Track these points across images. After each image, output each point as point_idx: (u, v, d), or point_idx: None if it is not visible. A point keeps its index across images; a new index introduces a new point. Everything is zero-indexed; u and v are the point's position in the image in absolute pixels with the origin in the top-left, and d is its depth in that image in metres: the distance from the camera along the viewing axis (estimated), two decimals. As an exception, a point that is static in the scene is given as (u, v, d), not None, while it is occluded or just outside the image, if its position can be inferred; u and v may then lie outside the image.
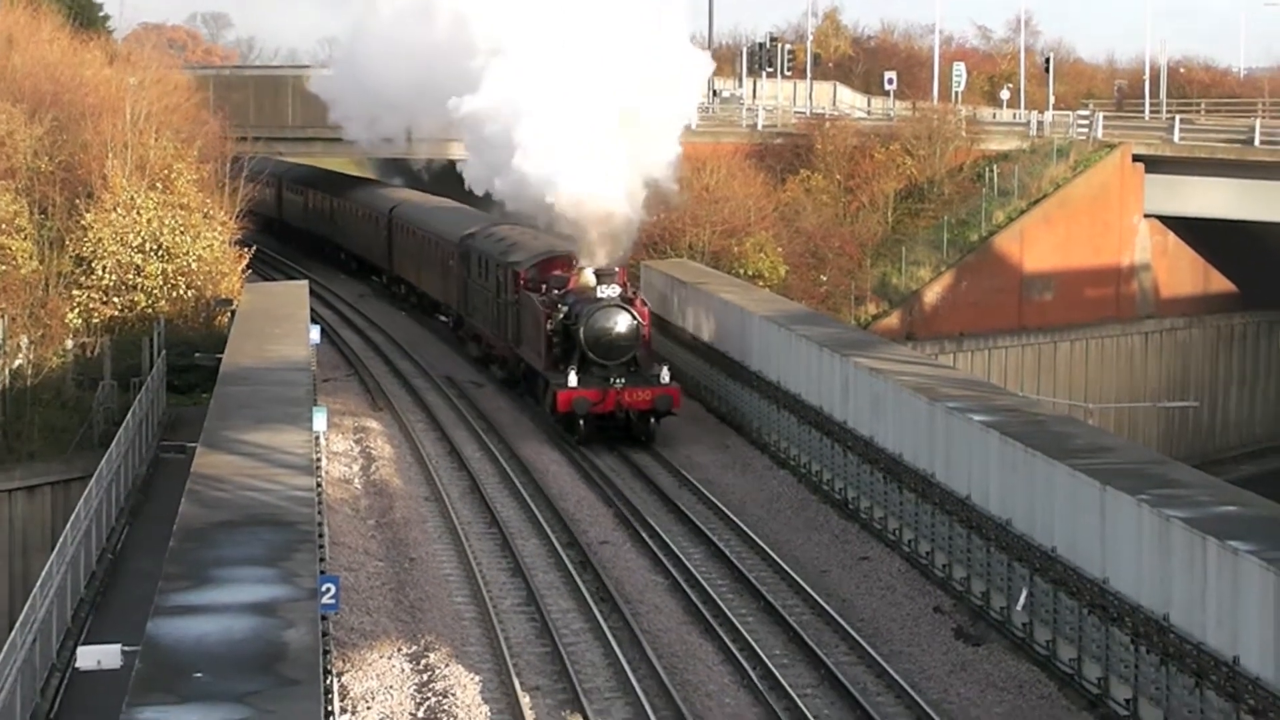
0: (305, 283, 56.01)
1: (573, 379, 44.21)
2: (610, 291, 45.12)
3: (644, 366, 45.51)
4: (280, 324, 42.99)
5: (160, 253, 53.16)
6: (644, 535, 37.02)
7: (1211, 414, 73.40)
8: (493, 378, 53.25)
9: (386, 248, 69.57)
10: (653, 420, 45.04)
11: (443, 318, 61.73)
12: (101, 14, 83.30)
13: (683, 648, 30.25)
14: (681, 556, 35.30)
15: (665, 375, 44.97)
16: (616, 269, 46.08)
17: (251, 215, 79.07)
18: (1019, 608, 29.89)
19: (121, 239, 52.60)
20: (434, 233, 62.13)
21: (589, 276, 45.93)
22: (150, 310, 51.94)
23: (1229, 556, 23.64)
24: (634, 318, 45.04)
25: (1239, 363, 75.62)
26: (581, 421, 44.44)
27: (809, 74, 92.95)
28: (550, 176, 46.27)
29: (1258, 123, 73.58)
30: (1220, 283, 74.91)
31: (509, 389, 51.37)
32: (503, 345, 51.63)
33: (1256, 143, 71.49)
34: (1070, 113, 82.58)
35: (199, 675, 17.67)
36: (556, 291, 46.89)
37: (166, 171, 55.45)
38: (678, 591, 33.37)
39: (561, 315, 45.65)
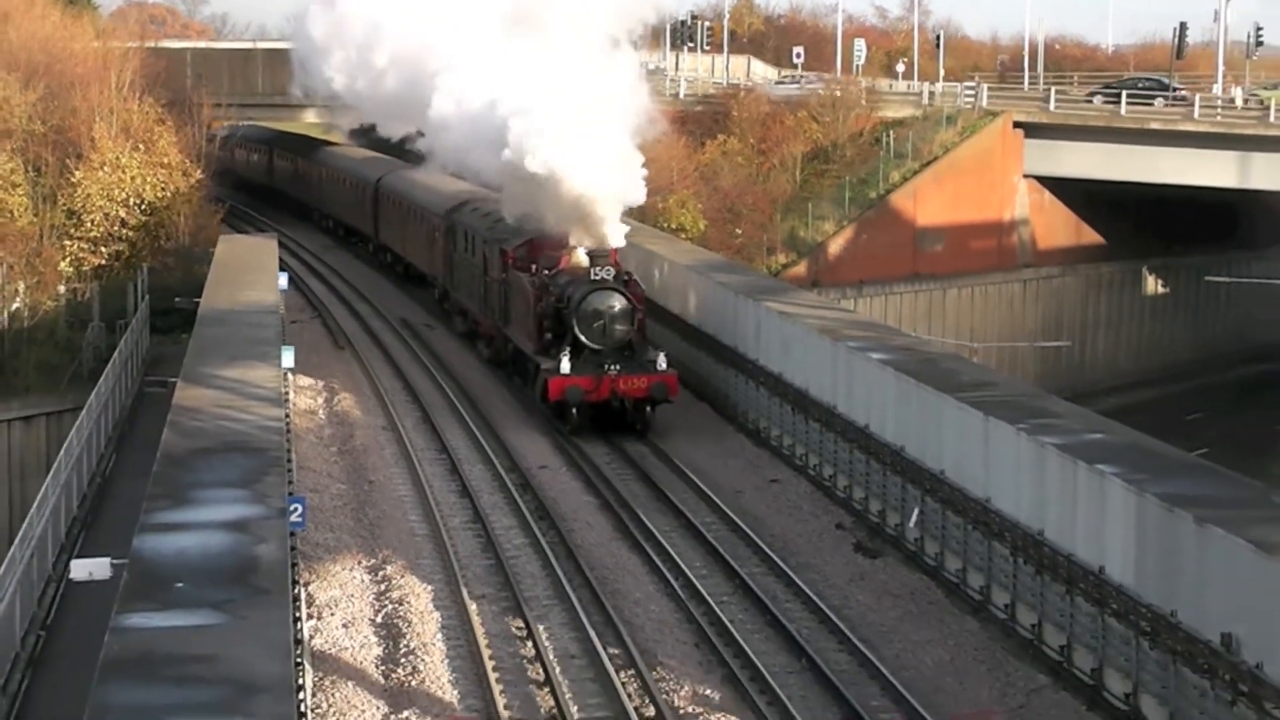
0: (275, 236, 55.63)
1: (565, 365, 38.28)
2: (604, 273, 38.77)
3: (639, 351, 39.22)
4: (252, 272, 42.67)
5: (143, 207, 52.90)
6: (578, 460, 37.01)
7: (1082, 352, 73.83)
8: (445, 321, 52.48)
9: (373, 216, 64.28)
10: (649, 409, 39.14)
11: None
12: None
13: (612, 560, 30.28)
14: (611, 479, 35.31)
15: (662, 361, 38.77)
16: (610, 249, 39.66)
17: (245, 181, 78.62)
18: (911, 524, 30.03)
19: (108, 195, 52.38)
20: (419, 204, 55.58)
21: (581, 257, 39.91)
22: (134, 259, 51.69)
23: (1096, 478, 23.80)
24: (629, 300, 38.80)
25: (1106, 307, 76.09)
26: (574, 410, 38.62)
27: (725, 48, 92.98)
28: (538, 151, 39.45)
29: (1123, 94, 73.95)
30: (1090, 236, 75.28)
31: (463, 337, 50.28)
32: (489, 323, 45.78)
33: (1122, 111, 71.95)
34: (958, 84, 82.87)
35: (180, 585, 17.59)
36: (547, 272, 40.50)
37: (149, 134, 55.17)
38: (608, 510, 33.37)
39: (553, 297, 39.64)
